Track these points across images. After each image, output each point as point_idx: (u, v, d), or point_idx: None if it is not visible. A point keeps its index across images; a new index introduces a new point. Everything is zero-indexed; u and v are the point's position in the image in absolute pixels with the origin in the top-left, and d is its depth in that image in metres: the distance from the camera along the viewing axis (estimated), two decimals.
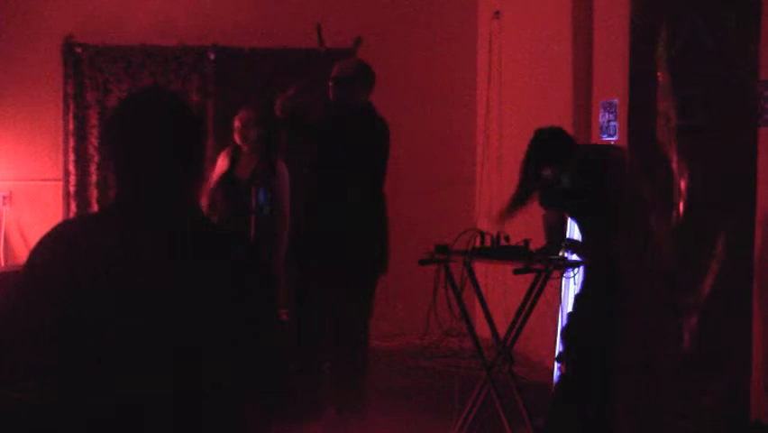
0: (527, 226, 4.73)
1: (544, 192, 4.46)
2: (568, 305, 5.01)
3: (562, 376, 4.66)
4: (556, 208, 4.54)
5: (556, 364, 5.00)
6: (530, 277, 4.45)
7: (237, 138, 5.89)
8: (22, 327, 1.98)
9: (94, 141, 7.33)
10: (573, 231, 4.92)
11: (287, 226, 5.83)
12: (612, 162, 4.38)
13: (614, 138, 5.65)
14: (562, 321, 5.16)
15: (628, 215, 3.53)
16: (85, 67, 7.32)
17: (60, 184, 7.34)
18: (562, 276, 4.59)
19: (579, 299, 4.45)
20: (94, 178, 7.33)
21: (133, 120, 2.05)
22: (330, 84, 5.03)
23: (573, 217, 4.67)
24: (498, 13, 7.30)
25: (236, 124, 5.92)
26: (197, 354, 1.96)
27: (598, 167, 4.38)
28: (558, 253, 4.41)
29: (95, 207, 7.29)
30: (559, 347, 4.88)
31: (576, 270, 4.48)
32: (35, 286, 2.00)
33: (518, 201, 4.42)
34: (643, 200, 3.39)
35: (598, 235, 4.34)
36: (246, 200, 5.65)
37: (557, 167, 4.35)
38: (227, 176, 5.88)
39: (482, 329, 5.05)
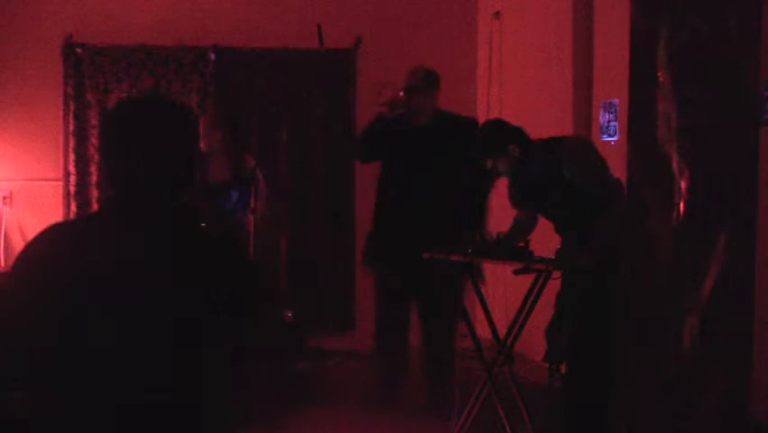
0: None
1: (513, 192, 4.52)
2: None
3: (557, 375, 4.66)
4: (524, 207, 4.59)
5: (548, 364, 4.99)
6: (530, 277, 4.45)
7: (202, 144, 5.84)
8: (12, 327, 1.98)
9: (94, 141, 7.32)
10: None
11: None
12: (564, 155, 4.38)
13: (614, 138, 5.65)
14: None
15: (626, 213, 3.54)
16: (85, 67, 7.31)
17: (60, 184, 7.33)
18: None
19: (564, 298, 4.45)
20: (94, 178, 7.33)
21: (130, 122, 2.07)
22: (402, 94, 5.27)
23: (545, 216, 4.66)
24: (498, 13, 7.30)
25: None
26: (194, 353, 1.96)
27: (548, 164, 4.39)
28: (512, 245, 4.46)
29: (95, 207, 7.29)
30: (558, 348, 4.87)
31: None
32: (26, 286, 2.00)
33: None
34: (641, 198, 3.39)
35: (570, 233, 4.37)
36: (221, 203, 5.68)
37: (497, 157, 4.40)
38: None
39: (482, 329, 5.05)
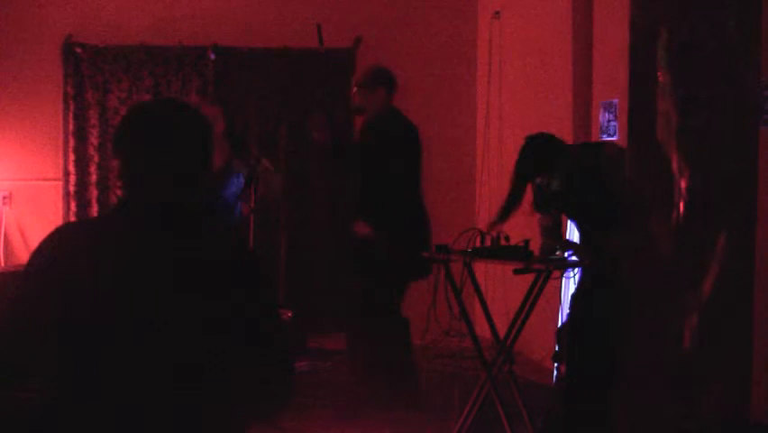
0: (527, 226, 4.73)
1: (537, 196, 4.48)
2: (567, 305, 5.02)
3: (561, 376, 4.66)
4: (550, 212, 4.55)
5: (555, 364, 5.00)
6: (530, 277, 4.45)
7: None
8: (22, 327, 1.99)
9: (94, 141, 7.33)
10: (572, 231, 4.92)
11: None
12: (604, 160, 4.38)
13: (614, 138, 5.65)
14: (561, 321, 5.17)
15: (625, 213, 3.53)
16: (85, 67, 7.32)
17: (60, 184, 7.34)
18: (562, 276, 4.59)
19: (575, 298, 4.45)
20: (94, 178, 7.33)
21: (144, 125, 2.09)
22: (354, 90, 5.46)
23: (570, 218, 4.67)
24: (498, 13, 7.31)
25: None
26: (199, 355, 1.97)
27: (587, 169, 4.38)
28: (553, 254, 4.42)
29: (95, 207, 7.29)
30: (556, 347, 4.88)
31: (576, 270, 4.49)
32: (36, 287, 2.01)
33: (510, 208, 4.45)
34: (639, 198, 3.39)
35: (595, 235, 4.34)
36: (216, 193, 5.67)
37: (548, 173, 4.37)
38: None
39: (482, 329, 5.05)
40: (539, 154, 4.40)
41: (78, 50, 7.29)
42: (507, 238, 4.54)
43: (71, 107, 7.31)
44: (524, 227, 4.69)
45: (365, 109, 5.42)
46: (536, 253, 4.50)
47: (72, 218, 7.19)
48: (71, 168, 7.31)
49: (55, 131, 7.34)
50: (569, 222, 4.96)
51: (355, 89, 5.46)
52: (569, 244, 4.51)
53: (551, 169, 4.37)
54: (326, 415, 5.22)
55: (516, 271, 4.34)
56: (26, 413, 1.99)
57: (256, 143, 7.19)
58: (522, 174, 4.41)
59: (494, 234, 4.55)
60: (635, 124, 3.46)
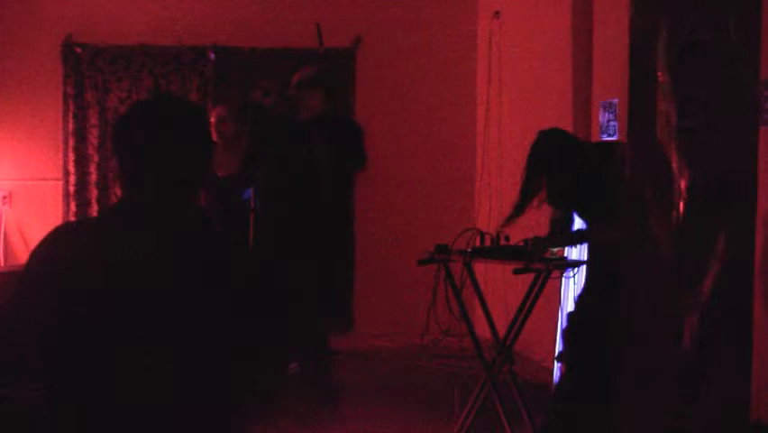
0: (527, 226, 4.73)
1: (551, 191, 4.47)
2: (568, 305, 5.02)
3: (562, 376, 4.67)
4: (562, 207, 4.56)
5: (556, 364, 5.01)
6: (530, 277, 4.45)
7: (213, 134, 5.83)
8: (21, 327, 1.99)
9: (94, 141, 7.33)
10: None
11: None
12: (616, 158, 4.38)
13: (614, 138, 5.65)
14: (562, 321, 5.17)
15: (627, 213, 3.53)
16: (85, 67, 7.32)
17: (60, 184, 7.34)
18: (561, 276, 4.59)
19: (580, 299, 4.45)
20: (94, 177, 7.33)
21: (143, 123, 2.08)
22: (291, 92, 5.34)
23: (579, 215, 4.66)
24: (498, 13, 7.30)
25: (211, 120, 5.87)
26: (196, 354, 1.97)
27: (599, 167, 4.38)
28: (552, 246, 4.43)
29: (95, 207, 7.29)
30: (559, 347, 4.88)
31: (576, 270, 4.49)
32: (35, 286, 2.00)
33: (524, 202, 4.42)
34: (641, 198, 3.39)
35: (602, 234, 4.34)
36: (229, 197, 5.66)
37: (561, 169, 4.35)
38: None
39: (482, 329, 5.05)
40: (552, 149, 4.39)
41: (78, 50, 7.29)
42: (506, 238, 4.54)
43: (71, 107, 7.31)
44: (524, 227, 4.68)
45: (297, 108, 5.31)
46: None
47: (72, 218, 7.19)
48: (71, 168, 7.31)
49: (55, 131, 7.34)
50: (575, 218, 4.96)
51: (292, 91, 5.33)
52: (572, 236, 4.51)
53: (563, 164, 4.35)
54: (326, 415, 5.22)
55: (516, 271, 4.34)
56: (26, 413, 1.99)
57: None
58: (535, 169, 4.39)
59: (494, 233, 4.56)
60: (635, 124, 3.46)
